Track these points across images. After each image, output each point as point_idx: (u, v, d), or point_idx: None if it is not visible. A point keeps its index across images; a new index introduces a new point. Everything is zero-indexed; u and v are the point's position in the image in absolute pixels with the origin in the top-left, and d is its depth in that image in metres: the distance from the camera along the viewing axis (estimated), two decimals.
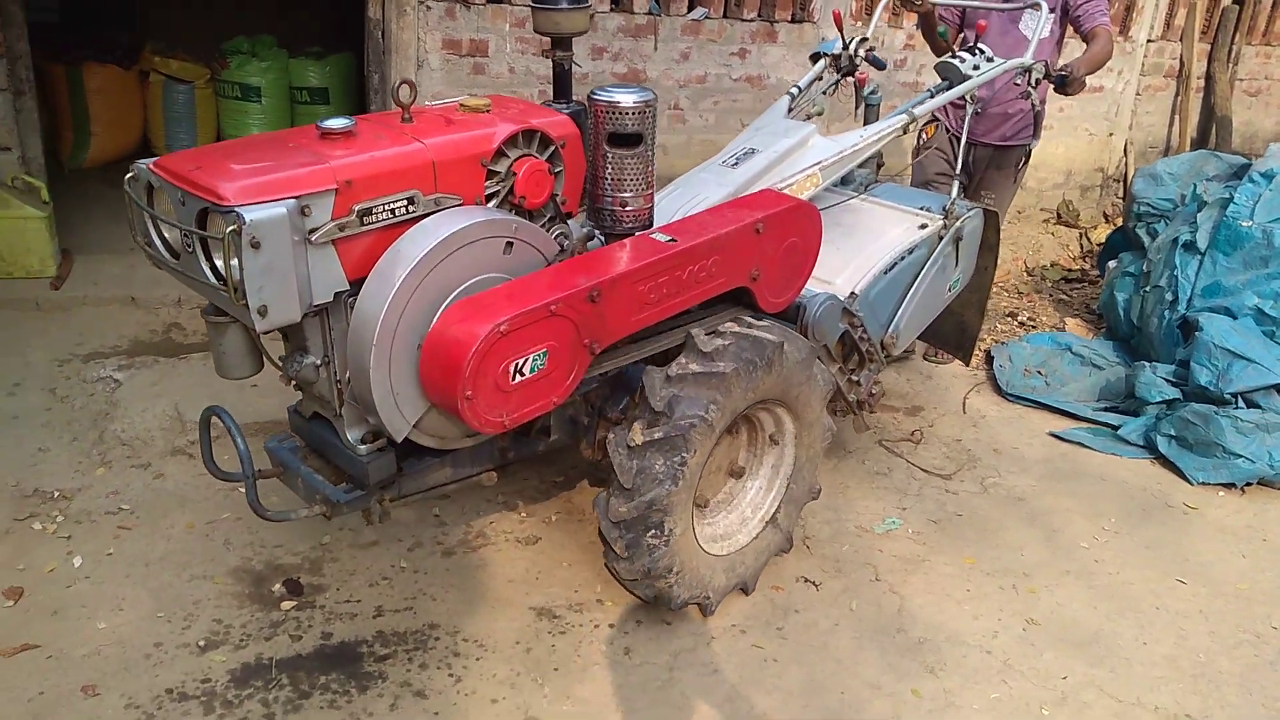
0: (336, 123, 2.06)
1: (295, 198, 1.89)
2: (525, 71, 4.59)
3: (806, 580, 2.82)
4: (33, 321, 3.85)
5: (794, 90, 3.28)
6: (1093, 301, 5.10)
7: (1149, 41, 6.36)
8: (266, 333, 2.00)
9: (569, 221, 2.40)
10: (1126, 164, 6.59)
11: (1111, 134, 6.52)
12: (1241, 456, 3.46)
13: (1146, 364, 3.93)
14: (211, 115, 5.91)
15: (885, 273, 3.03)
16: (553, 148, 2.31)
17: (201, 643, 2.39)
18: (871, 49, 3.45)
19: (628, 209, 2.40)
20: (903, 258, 3.08)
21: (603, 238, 2.44)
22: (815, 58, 3.47)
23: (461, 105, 2.30)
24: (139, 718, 2.17)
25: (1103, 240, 5.69)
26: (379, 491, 2.28)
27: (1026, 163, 4.14)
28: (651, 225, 2.46)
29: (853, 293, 2.93)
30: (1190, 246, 4.11)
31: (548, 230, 2.31)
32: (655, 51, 4.89)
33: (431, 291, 2.01)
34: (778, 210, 2.49)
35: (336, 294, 2.03)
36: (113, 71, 5.52)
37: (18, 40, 4.03)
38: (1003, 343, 4.46)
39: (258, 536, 2.77)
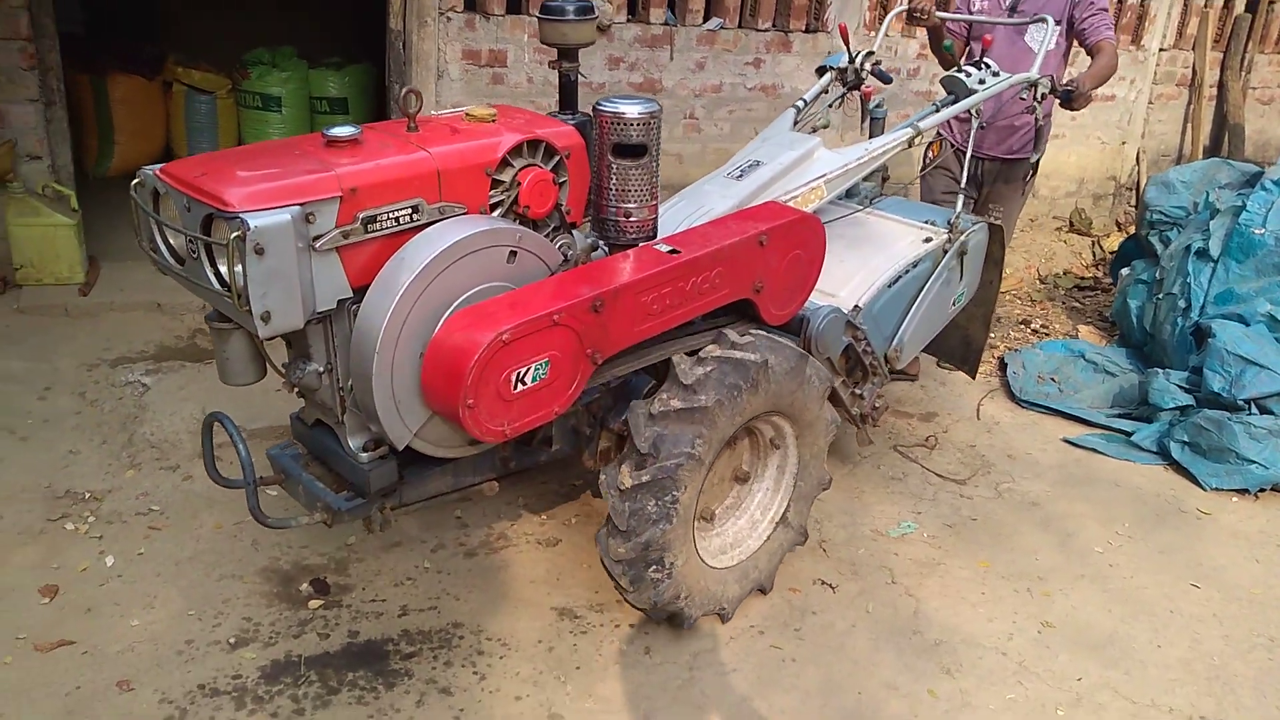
0: (342, 131, 2.06)
1: (300, 205, 1.89)
2: (544, 81, 4.66)
3: (823, 583, 2.86)
4: (61, 327, 3.93)
5: (800, 103, 3.30)
6: (1105, 309, 5.13)
7: (1161, 50, 6.39)
8: (270, 339, 2.00)
9: (573, 232, 2.39)
10: (1139, 172, 6.61)
11: (1124, 142, 6.55)
12: (1255, 462, 3.49)
13: (1159, 370, 3.96)
14: (233, 125, 6.01)
15: (889, 286, 3.02)
16: (557, 158, 2.31)
17: (232, 640, 2.45)
18: (878, 63, 3.46)
19: (632, 219, 2.40)
20: (907, 271, 3.07)
21: (607, 248, 2.43)
22: (821, 71, 3.49)
23: (467, 114, 2.30)
24: (172, 712, 2.23)
25: (1115, 248, 5.71)
26: (380, 499, 2.28)
27: (1034, 175, 4.13)
28: (655, 236, 2.46)
29: (857, 306, 2.92)
30: (1203, 254, 4.14)
31: (552, 240, 2.30)
32: (671, 61, 4.95)
33: (435, 300, 2.01)
34: (782, 222, 2.48)
35: (340, 301, 2.04)
36: (137, 82, 5.62)
37: (49, 52, 4.12)
38: (1016, 350, 4.50)
39: (284, 538, 2.82)
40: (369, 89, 6.32)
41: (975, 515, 3.28)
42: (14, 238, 4.05)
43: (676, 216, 2.76)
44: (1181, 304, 4.11)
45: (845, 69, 3.44)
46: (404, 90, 2.14)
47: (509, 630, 2.57)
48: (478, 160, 2.17)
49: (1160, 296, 4.28)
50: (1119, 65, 4.02)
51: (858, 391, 3.01)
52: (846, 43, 3.44)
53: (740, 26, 5.05)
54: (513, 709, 2.33)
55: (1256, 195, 4.13)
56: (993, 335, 4.67)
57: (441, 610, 2.62)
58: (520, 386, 2.02)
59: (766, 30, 5.10)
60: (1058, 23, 3.67)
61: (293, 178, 1.92)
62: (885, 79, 3.51)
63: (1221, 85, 6.76)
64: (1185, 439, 3.65)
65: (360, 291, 2.04)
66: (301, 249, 1.91)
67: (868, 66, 3.44)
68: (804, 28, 5.18)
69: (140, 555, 2.72)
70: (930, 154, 4.02)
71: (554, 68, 2.51)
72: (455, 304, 2.05)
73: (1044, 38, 3.41)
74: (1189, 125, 6.77)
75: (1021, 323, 4.99)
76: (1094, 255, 6.07)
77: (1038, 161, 4.07)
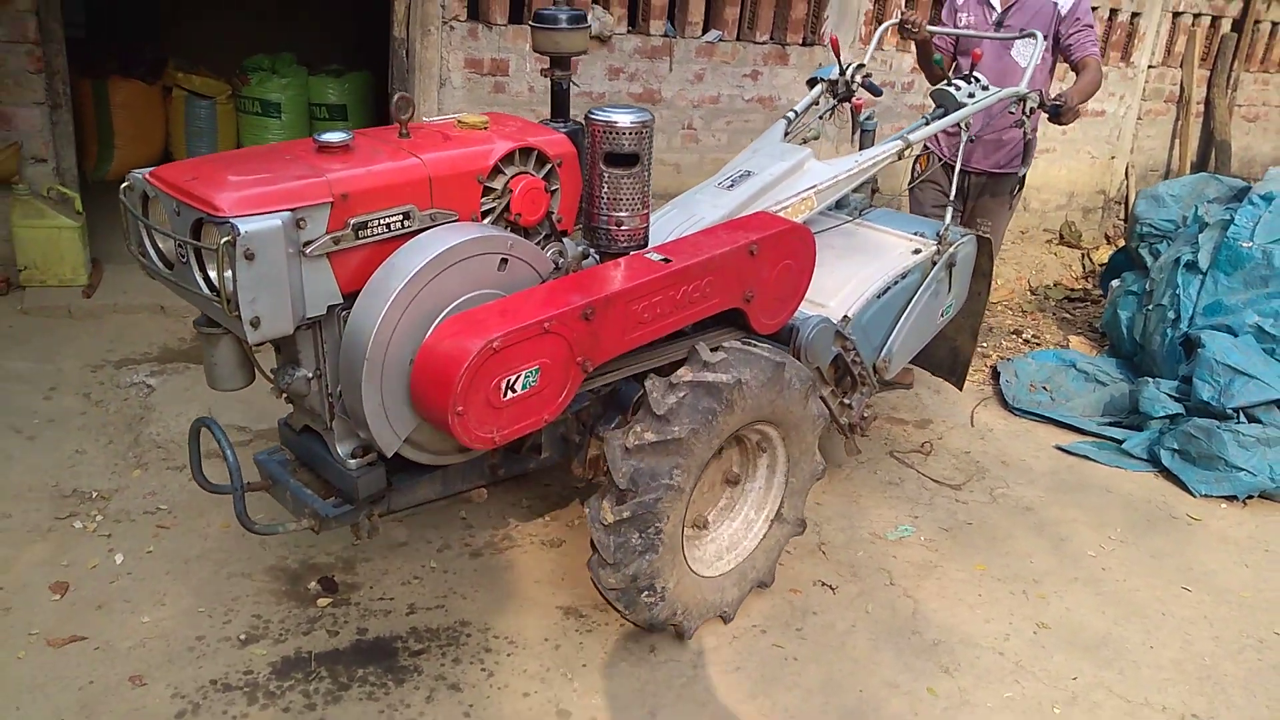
0: (334, 136, 2.05)
1: (290, 210, 1.87)
2: (545, 90, 4.65)
3: (823, 584, 2.91)
4: (65, 328, 3.95)
5: (790, 114, 3.32)
6: (1095, 320, 5.21)
7: (1150, 67, 6.51)
8: (259, 345, 1.97)
9: (564, 240, 2.38)
10: (1128, 186, 6.72)
11: (1113, 157, 6.66)
12: (1243, 470, 3.56)
13: (1150, 380, 4.03)
14: (232, 130, 6.04)
15: (878, 297, 3.02)
16: (549, 166, 2.30)
17: (242, 636, 2.47)
18: (868, 75, 3.48)
19: (623, 228, 2.41)
20: (896, 282, 3.07)
21: (598, 256, 2.44)
22: (812, 83, 3.51)
23: (459, 122, 2.30)
24: (185, 707, 2.25)
25: (1104, 260, 5.81)
26: (368, 506, 2.27)
27: (1021, 189, 4.14)
28: (647, 245, 2.48)
29: (846, 316, 2.92)
30: (1192, 266, 4.22)
31: (543, 248, 2.29)
32: (670, 72, 5.02)
33: (425, 306, 2.01)
34: (772, 233, 2.48)
35: (330, 307, 2.02)
36: (137, 86, 5.66)
37: (56, 56, 4.15)
38: (1009, 359, 4.57)
39: (291, 537, 2.85)
40: (368, 96, 6.36)
41: (971, 520, 3.34)
42: (19, 239, 4.08)
43: (668, 225, 2.77)
44: (1171, 315, 4.19)
45: (836, 81, 3.47)
46: (396, 96, 2.13)
47: (516, 628, 2.60)
48: (470, 167, 2.16)
49: (1150, 308, 4.36)
50: (1104, 81, 4.07)
51: (846, 401, 3.01)
52: (837, 55, 3.47)
53: (738, 39, 5.13)
54: (521, 705, 2.36)
55: (1244, 209, 4.22)
56: (985, 345, 4.75)
57: (449, 608, 2.65)
58: (510, 394, 2.01)
59: (764, 43, 5.18)
60: (1045, 37, 3.72)
61: (284, 183, 1.91)
62: (876, 91, 3.54)
63: (1208, 102, 6.88)
64: (1175, 446, 3.73)
65: (350, 297, 2.03)
66: (292, 254, 1.89)
67: (858, 79, 3.45)
68: (801, 41, 5.27)
69: (149, 553, 2.74)
70: (919, 166, 4.07)
71: (546, 76, 2.52)
72: (446, 311, 2.04)
73: (1032, 53, 3.45)
74: (1177, 141, 6.89)
75: (1013, 333, 5.06)
76: (1084, 267, 6.16)
77: (1024, 176, 4.09)
